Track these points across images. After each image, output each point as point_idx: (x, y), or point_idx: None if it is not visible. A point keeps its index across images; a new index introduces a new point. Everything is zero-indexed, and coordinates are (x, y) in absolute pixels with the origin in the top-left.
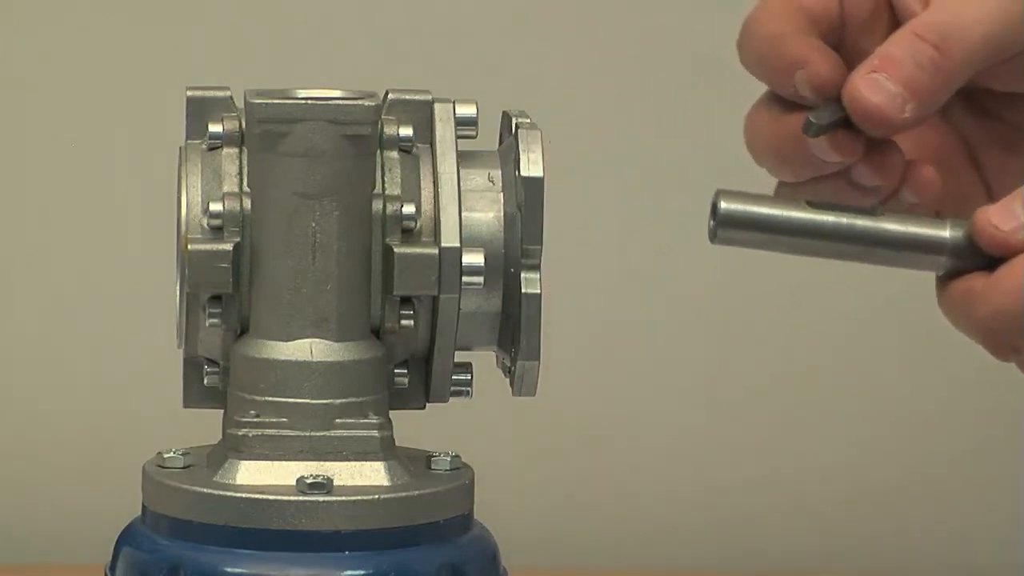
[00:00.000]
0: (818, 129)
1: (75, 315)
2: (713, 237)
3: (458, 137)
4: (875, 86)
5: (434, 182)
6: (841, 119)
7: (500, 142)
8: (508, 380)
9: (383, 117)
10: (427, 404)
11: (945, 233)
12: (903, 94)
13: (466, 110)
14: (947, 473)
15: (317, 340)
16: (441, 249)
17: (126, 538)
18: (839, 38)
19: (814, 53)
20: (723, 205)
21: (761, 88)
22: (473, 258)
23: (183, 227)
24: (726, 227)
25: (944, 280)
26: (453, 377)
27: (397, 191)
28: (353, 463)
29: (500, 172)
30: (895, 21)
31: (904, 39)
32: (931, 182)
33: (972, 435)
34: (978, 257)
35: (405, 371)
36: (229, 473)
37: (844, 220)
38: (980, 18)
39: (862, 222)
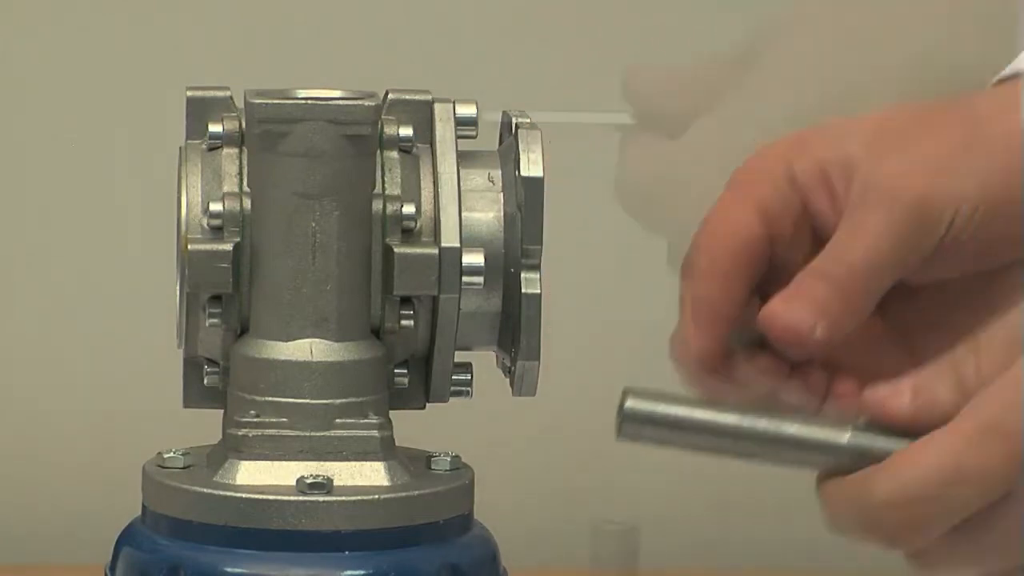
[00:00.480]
0: (739, 342)
1: (75, 315)
2: (618, 433)
3: (458, 137)
4: (788, 308)
5: (434, 182)
6: (761, 338)
7: (500, 142)
8: (508, 380)
9: (383, 117)
10: (427, 404)
11: (844, 438)
12: (814, 316)
13: (466, 110)
14: None
15: (317, 340)
16: (441, 249)
17: (126, 538)
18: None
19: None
20: (628, 404)
21: None
22: (473, 258)
23: (183, 227)
24: (630, 423)
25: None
26: (453, 377)
27: (397, 191)
28: (353, 463)
29: (500, 172)
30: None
31: (815, 269)
32: (850, 398)
33: None
34: (873, 459)
35: (405, 371)
36: (229, 473)
37: (745, 423)
38: (873, 245)
39: (763, 425)
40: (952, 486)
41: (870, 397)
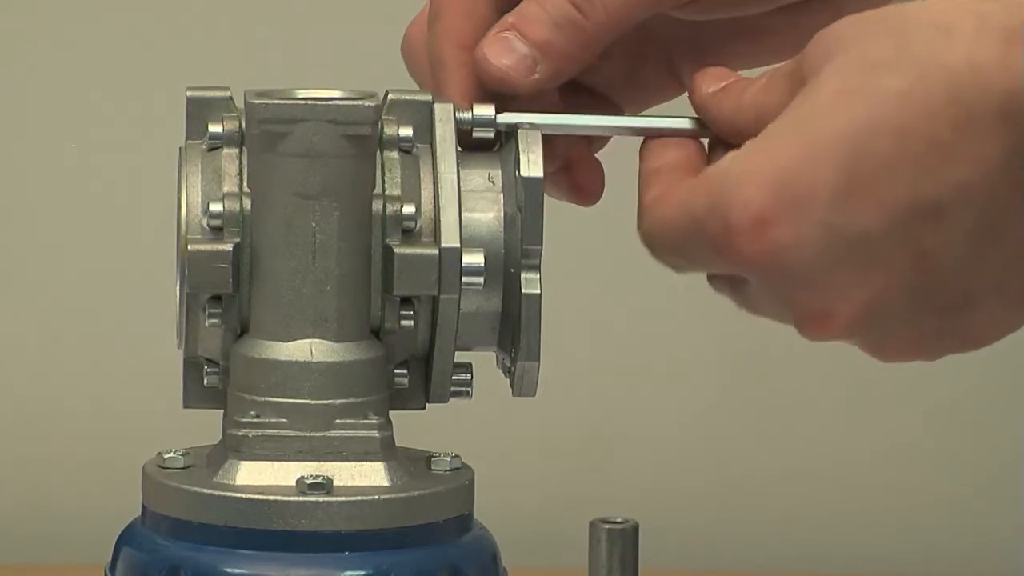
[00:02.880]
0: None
1: (75, 315)
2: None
3: (475, 137)
4: (504, 47)
5: (434, 182)
6: None
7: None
8: (508, 380)
9: (383, 117)
10: (427, 404)
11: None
12: (534, 55)
13: (484, 111)
14: (949, 474)
15: (317, 340)
16: (441, 249)
17: (126, 538)
18: None
19: (455, 65)
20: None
21: None
22: (473, 258)
23: (183, 227)
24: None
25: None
26: (453, 377)
27: (397, 191)
28: (353, 463)
29: (500, 172)
30: None
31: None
32: (588, 188)
33: (979, 431)
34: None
35: (405, 371)
36: (229, 473)
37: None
38: None
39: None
40: (677, 251)
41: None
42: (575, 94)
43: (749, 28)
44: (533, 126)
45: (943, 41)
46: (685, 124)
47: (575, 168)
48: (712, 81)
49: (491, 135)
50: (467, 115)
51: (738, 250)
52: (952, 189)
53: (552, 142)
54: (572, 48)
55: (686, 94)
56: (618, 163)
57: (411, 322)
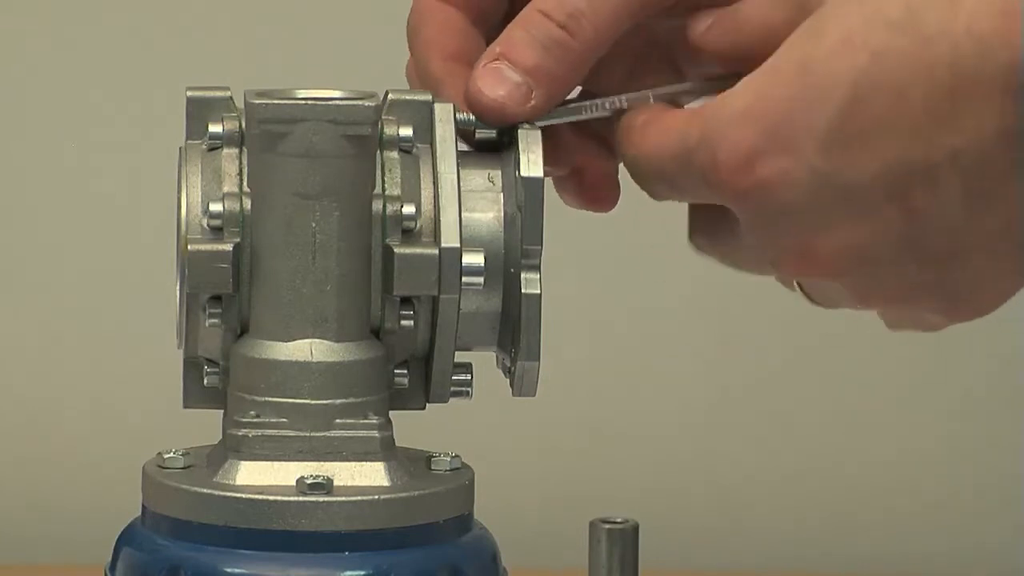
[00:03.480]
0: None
1: (75, 315)
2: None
3: (478, 138)
4: (497, 78)
5: (434, 182)
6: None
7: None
8: (508, 380)
9: (383, 117)
10: (427, 404)
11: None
12: (527, 82)
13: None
14: (949, 474)
15: (317, 340)
16: (441, 249)
17: (126, 538)
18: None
19: (448, 77)
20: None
21: None
22: (473, 258)
23: (183, 227)
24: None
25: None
26: (453, 377)
27: (397, 191)
28: (353, 463)
29: (500, 172)
30: None
31: (528, 19)
32: (605, 194)
33: (978, 431)
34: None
35: (405, 371)
36: (229, 473)
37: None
38: None
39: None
40: (664, 179)
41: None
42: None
43: None
44: (532, 125)
45: (948, 8)
46: (686, 86)
47: (587, 174)
48: (703, 19)
49: (494, 135)
50: (470, 116)
51: (725, 182)
52: (944, 155)
53: (563, 148)
54: (563, 69)
55: None
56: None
57: (411, 322)
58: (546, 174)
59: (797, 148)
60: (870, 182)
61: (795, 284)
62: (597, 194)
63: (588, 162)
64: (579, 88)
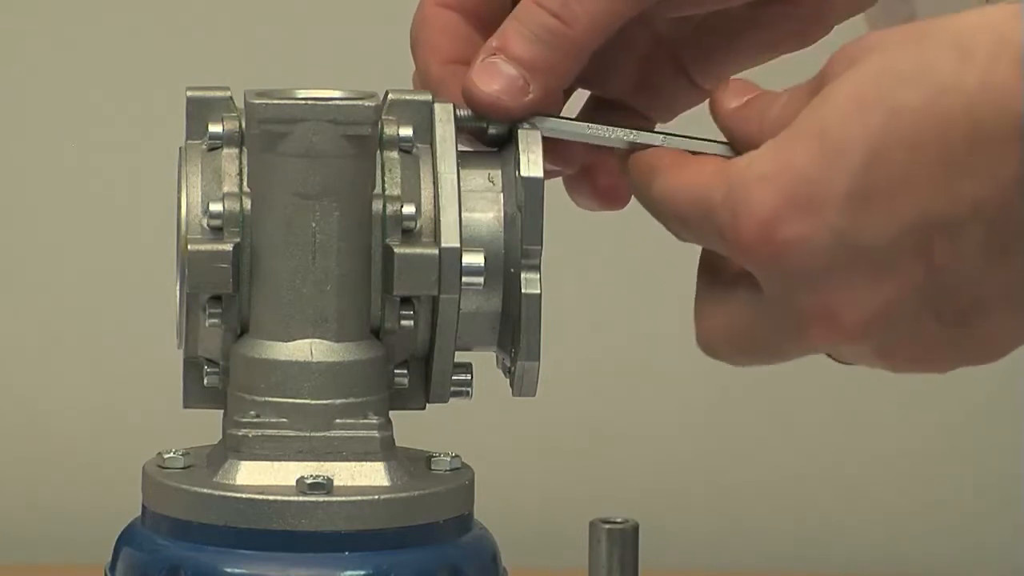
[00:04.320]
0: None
1: (75, 315)
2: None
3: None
4: (492, 73)
5: (434, 182)
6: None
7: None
8: (508, 380)
9: (383, 117)
10: (427, 404)
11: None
12: (523, 75)
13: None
14: (949, 475)
15: (317, 340)
16: (441, 249)
17: (126, 538)
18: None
19: (449, 79)
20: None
21: None
22: (473, 258)
23: (183, 227)
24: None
25: None
26: (453, 377)
27: (397, 191)
28: (353, 463)
29: (500, 172)
30: None
31: (522, 11)
32: (615, 192)
33: (978, 432)
34: None
35: (405, 371)
36: (229, 473)
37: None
38: None
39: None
40: (685, 226)
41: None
42: (602, 108)
43: (745, 22)
44: (532, 126)
45: (960, 61)
46: (710, 146)
47: (596, 173)
48: (734, 96)
49: (505, 130)
50: (470, 113)
51: (744, 246)
52: (965, 205)
53: (569, 146)
54: (558, 59)
55: (707, 106)
56: None
57: (411, 322)
58: (554, 174)
59: (818, 211)
60: (892, 240)
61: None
62: (610, 192)
63: (599, 160)
64: (588, 93)
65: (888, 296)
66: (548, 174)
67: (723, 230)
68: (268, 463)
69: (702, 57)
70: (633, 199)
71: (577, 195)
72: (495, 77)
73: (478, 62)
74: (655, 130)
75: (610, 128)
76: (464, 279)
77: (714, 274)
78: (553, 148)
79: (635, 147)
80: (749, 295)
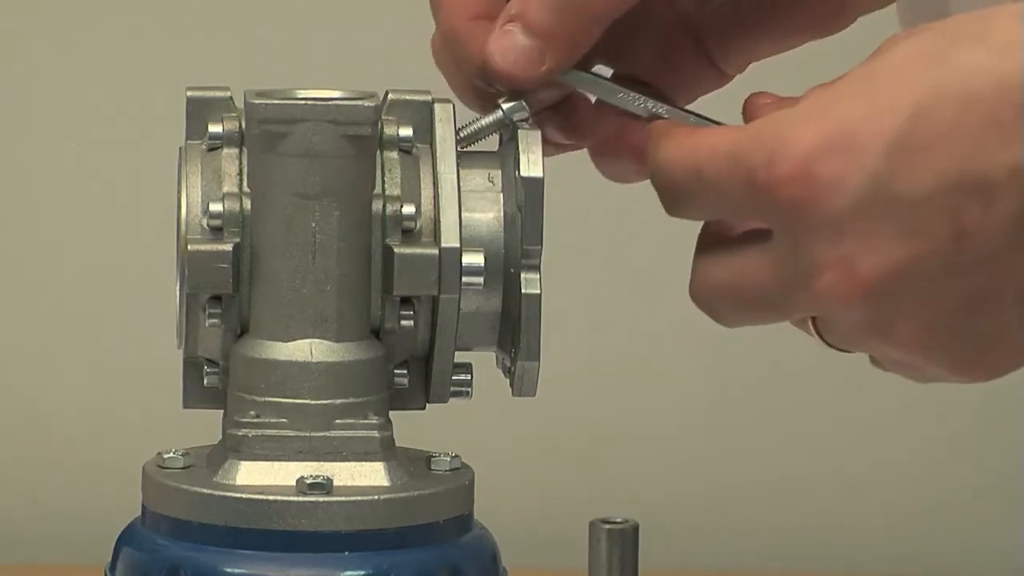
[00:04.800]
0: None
1: (75, 315)
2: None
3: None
4: (509, 42)
5: (434, 182)
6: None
7: (500, 142)
8: (508, 380)
9: (383, 117)
10: (427, 404)
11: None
12: (539, 46)
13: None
14: (949, 475)
15: (317, 340)
16: (441, 249)
17: (126, 538)
18: None
19: (471, 36)
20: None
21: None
22: (473, 258)
23: (183, 227)
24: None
25: None
26: (453, 377)
27: (397, 191)
28: (353, 463)
29: (500, 172)
30: None
31: None
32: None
33: (979, 432)
34: None
35: (405, 371)
36: (229, 473)
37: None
38: None
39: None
40: (697, 180)
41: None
42: (625, 85)
43: (768, 8)
44: (533, 126)
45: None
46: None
47: (629, 131)
48: (764, 99)
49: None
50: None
51: (776, 182)
52: (1003, 171)
53: (593, 117)
54: (576, 29)
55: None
56: None
57: (411, 322)
58: (574, 147)
59: (859, 153)
60: (927, 194)
61: (810, 325)
62: (640, 157)
63: (626, 129)
64: (610, 71)
65: (908, 254)
66: (564, 148)
67: (754, 171)
68: (268, 463)
69: (724, 40)
70: (622, 202)
71: (604, 164)
72: (511, 48)
73: (497, 28)
74: (687, 110)
75: (641, 97)
76: (464, 279)
77: (716, 235)
78: (577, 118)
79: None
80: (756, 248)
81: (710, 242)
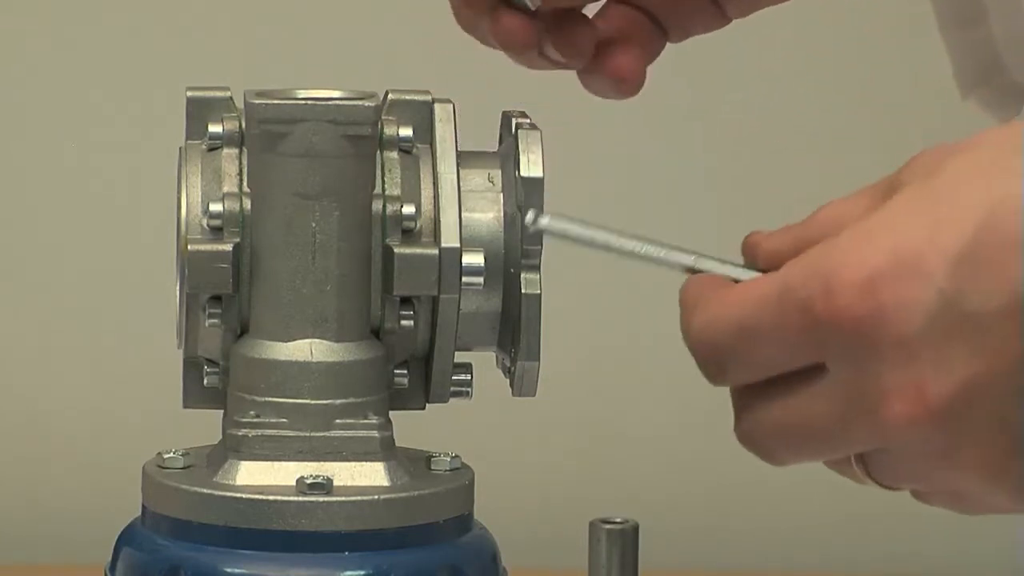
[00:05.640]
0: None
1: (75, 315)
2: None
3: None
4: None
5: (434, 182)
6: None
7: (500, 142)
8: (508, 380)
9: (383, 117)
10: (427, 404)
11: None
12: None
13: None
14: None
15: (317, 340)
16: (441, 249)
17: (126, 538)
18: None
19: None
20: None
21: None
22: (473, 258)
23: (183, 227)
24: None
25: None
26: (453, 377)
27: (397, 191)
28: (353, 463)
29: (500, 172)
30: None
31: None
32: (628, 73)
33: None
34: None
35: (405, 371)
36: (229, 473)
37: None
38: None
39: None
40: (744, 336)
41: (749, 238)
42: (624, 15)
43: None
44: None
45: None
46: (747, 272)
47: (614, 51)
48: (759, 235)
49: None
50: None
51: (840, 310)
52: None
53: (579, 34)
54: None
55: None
56: (618, 161)
57: (411, 322)
58: (572, 65)
59: (925, 270)
60: (998, 308)
61: (857, 465)
62: (624, 73)
63: (614, 36)
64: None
65: (980, 371)
66: (558, 64)
67: (811, 303)
68: (268, 463)
69: None
70: (622, 201)
71: (592, 80)
72: None
73: None
74: (687, 249)
75: (635, 239)
76: (464, 279)
77: (756, 384)
78: (563, 38)
79: (659, 263)
80: (810, 385)
81: (749, 388)
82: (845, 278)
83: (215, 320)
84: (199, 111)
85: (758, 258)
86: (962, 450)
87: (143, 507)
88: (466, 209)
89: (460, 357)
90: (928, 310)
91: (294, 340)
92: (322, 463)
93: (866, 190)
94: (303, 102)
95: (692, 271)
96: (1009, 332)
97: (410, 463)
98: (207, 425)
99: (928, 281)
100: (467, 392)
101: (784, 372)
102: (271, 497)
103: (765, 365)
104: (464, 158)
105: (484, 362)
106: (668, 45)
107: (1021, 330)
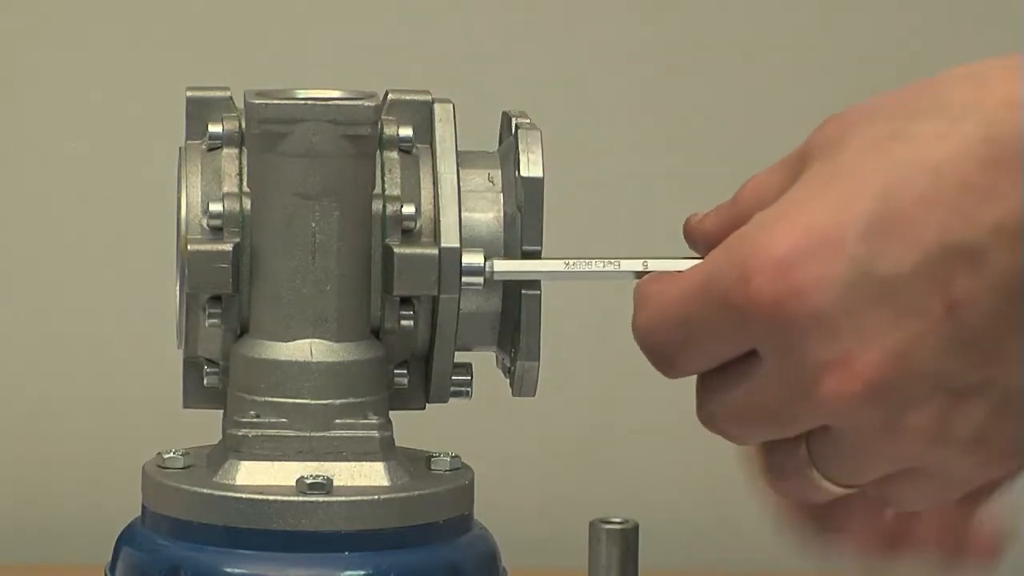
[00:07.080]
0: None
1: (75, 315)
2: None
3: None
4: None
5: (434, 182)
6: None
7: (500, 142)
8: (508, 380)
9: (383, 117)
10: (427, 404)
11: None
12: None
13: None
14: None
15: (317, 340)
16: (441, 249)
17: (126, 538)
18: None
19: None
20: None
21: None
22: (473, 258)
23: (183, 227)
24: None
25: None
26: (453, 377)
27: (397, 191)
28: (353, 463)
29: (500, 172)
30: None
31: None
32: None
33: None
34: None
35: (405, 371)
36: (229, 473)
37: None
38: None
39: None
40: (680, 331)
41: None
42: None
43: None
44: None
45: (977, 86)
46: (681, 264)
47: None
48: (696, 216)
49: None
50: None
51: (755, 296)
52: (986, 230)
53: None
54: None
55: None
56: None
57: (411, 322)
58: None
59: (835, 243)
60: (912, 269)
61: (813, 472)
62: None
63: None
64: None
65: (905, 338)
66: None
67: (729, 293)
68: (268, 463)
69: None
70: (622, 200)
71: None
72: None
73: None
74: (634, 256)
75: (587, 260)
76: (464, 279)
77: (710, 371)
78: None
79: (612, 276)
80: (747, 368)
81: (705, 376)
82: (757, 263)
83: (215, 320)
84: (199, 111)
85: (697, 243)
86: (903, 416)
87: (143, 507)
88: (466, 209)
89: (460, 357)
90: (843, 282)
91: (294, 340)
92: (322, 463)
93: (781, 163)
94: (303, 102)
95: (644, 274)
96: (927, 289)
97: (410, 463)
98: (207, 425)
99: (839, 254)
100: (467, 392)
101: (729, 359)
102: (271, 497)
103: (709, 355)
104: (464, 158)
105: (484, 362)
106: (660, 39)
107: (938, 286)
